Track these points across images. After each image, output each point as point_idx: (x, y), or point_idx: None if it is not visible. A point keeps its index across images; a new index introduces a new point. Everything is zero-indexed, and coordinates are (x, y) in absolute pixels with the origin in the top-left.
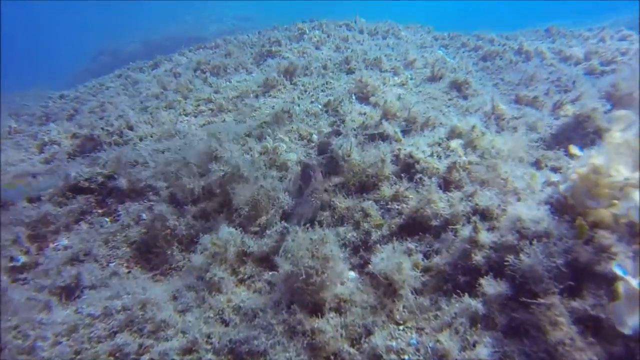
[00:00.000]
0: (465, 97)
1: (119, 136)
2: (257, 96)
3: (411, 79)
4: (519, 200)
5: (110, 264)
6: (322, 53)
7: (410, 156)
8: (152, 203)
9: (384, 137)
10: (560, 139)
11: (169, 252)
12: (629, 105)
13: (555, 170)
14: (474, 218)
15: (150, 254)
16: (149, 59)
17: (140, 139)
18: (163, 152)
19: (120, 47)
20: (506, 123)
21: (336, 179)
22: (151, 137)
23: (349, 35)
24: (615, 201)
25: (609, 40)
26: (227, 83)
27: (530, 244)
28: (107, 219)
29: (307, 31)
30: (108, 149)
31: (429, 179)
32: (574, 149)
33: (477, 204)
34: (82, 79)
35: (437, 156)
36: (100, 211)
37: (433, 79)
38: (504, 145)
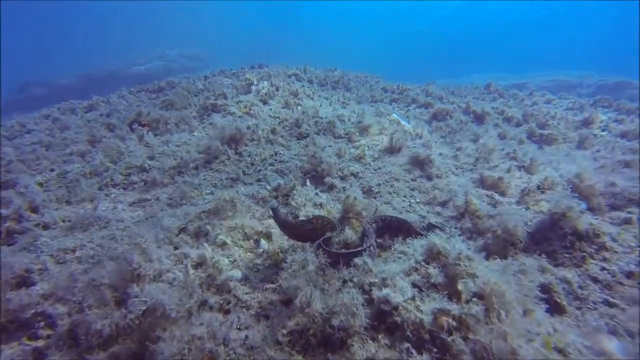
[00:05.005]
0: (429, 178)
1: (16, 222)
2: (197, 168)
3: (368, 148)
4: None
5: None
6: (271, 110)
7: (386, 301)
8: (38, 344)
9: (348, 262)
10: (538, 239)
11: None
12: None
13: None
14: None
15: None
16: (86, 95)
17: (45, 228)
18: (74, 252)
19: (56, 78)
20: (482, 223)
21: (291, 322)
22: (62, 223)
23: (298, 89)
24: None
25: (540, 103)
26: (165, 147)
27: None
28: None
29: (255, 82)
30: None
31: (413, 340)
32: None
33: None
34: (6, 112)
35: (420, 293)
36: None
37: (392, 150)
38: (508, 289)
